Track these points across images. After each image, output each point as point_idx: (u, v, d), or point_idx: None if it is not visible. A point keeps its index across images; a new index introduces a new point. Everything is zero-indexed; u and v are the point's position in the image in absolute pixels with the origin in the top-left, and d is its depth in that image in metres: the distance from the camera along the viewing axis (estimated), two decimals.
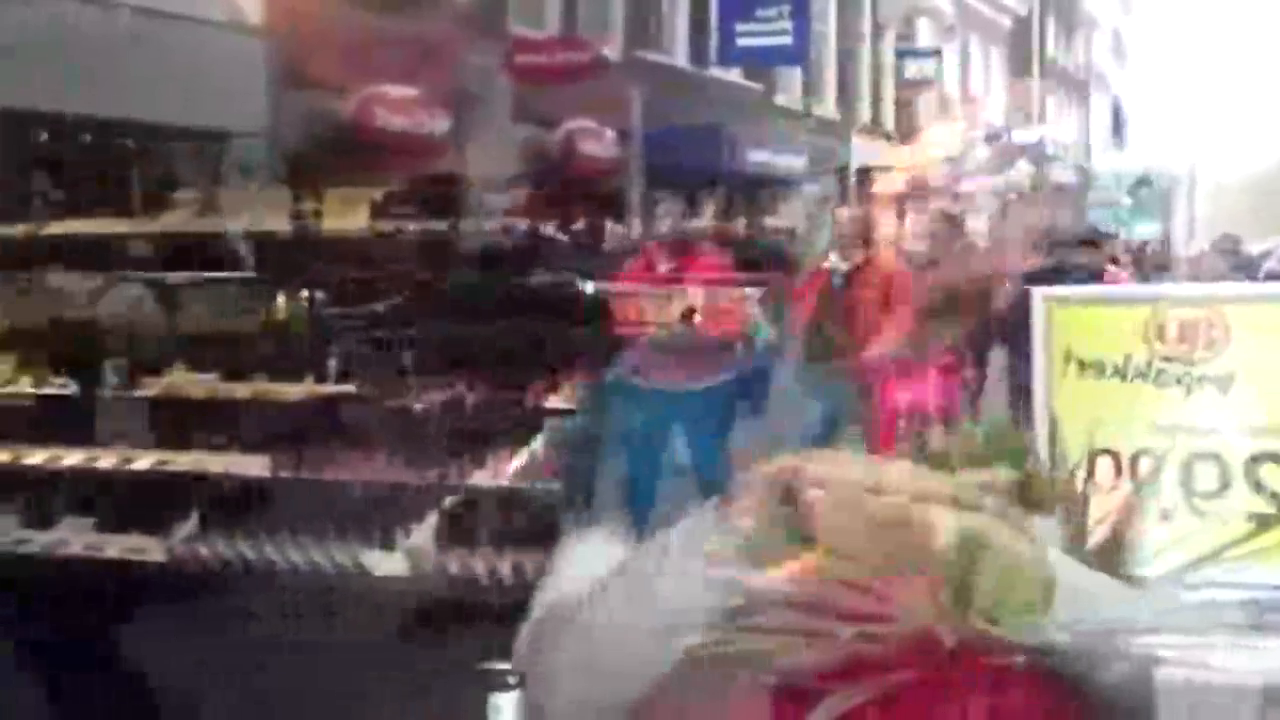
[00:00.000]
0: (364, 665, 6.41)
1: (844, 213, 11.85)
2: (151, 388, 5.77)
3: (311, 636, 6.17)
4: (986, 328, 8.89)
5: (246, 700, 5.66)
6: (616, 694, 1.82)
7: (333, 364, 6.32)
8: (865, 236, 10.50)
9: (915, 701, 1.86)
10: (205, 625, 5.90)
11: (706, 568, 1.79)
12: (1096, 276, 7.96)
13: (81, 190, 10.34)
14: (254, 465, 5.40)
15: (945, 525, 1.83)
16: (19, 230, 5.97)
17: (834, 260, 9.86)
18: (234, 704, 5.65)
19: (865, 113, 32.97)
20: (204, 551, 5.17)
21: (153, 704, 5.77)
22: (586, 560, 1.97)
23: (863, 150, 31.54)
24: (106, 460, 5.64)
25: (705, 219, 13.09)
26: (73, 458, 5.72)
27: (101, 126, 12.67)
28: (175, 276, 6.03)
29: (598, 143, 20.10)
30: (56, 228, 6.04)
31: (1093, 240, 9.58)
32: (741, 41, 23.46)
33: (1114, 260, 8.47)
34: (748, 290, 7.73)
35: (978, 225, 11.67)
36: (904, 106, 34.70)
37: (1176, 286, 3.24)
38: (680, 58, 24.55)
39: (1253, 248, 23.22)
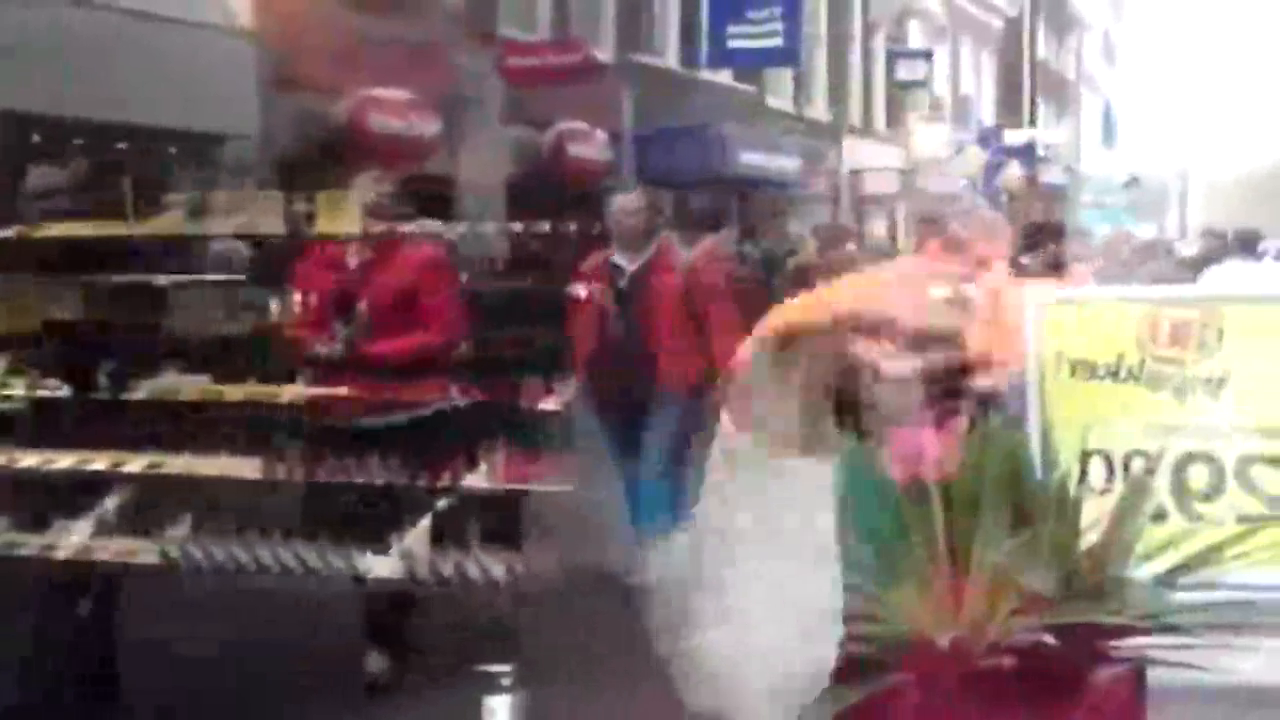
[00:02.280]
0: (356, 666, 6.41)
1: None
2: (143, 390, 5.76)
3: (306, 638, 6.18)
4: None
5: (238, 701, 5.66)
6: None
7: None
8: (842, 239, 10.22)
9: (909, 702, 1.87)
10: (197, 626, 5.91)
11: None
12: (1054, 270, 7.81)
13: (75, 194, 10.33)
14: (246, 468, 5.40)
15: None
16: (12, 231, 5.95)
17: (617, 256, 8.00)
18: (224, 704, 5.65)
19: (856, 114, 32.97)
20: (197, 554, 5.17)
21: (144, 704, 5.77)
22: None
23: (854, 152, 31.55)
24: (99, 463, 5.63)
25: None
26: (65, 460, 5.71)
27: (95, 129, 12.65)
28: (165, 279, 6.03)
29: (588, 144, 20.10)
30: (51, 230, 6.03)
31: (1047, 233, 9.08)
32: (732, 43, 23.47)
33: (1081, 257, 8.23)
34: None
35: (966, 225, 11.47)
36: (895, 108, 34.71)
37: (1169, 289, 3.24)
38: (671, 60, 24.56)
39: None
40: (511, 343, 6.17)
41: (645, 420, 7.56)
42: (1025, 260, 8.04)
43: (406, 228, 6.26)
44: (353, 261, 6.31)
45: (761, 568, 1.70)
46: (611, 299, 7.76)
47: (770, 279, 17.38)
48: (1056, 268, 7.83)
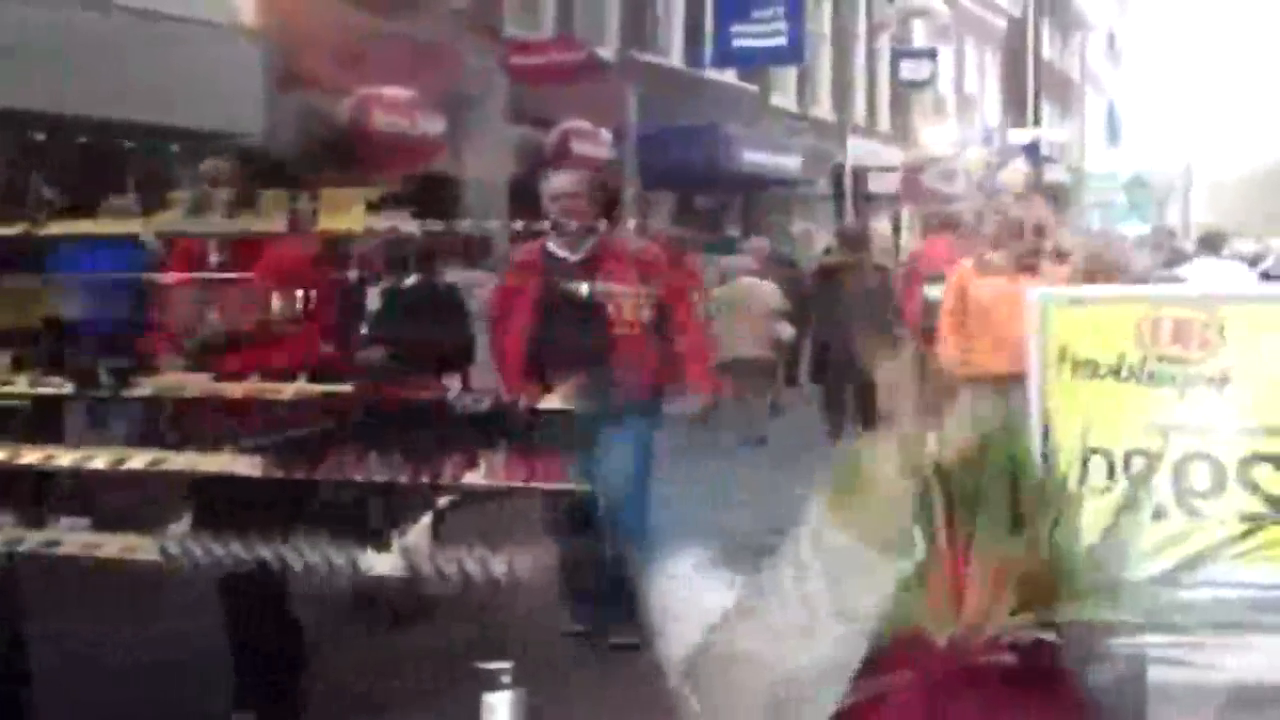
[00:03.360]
0: (359, 664, 6.41)
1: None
2: (145, 387, 5.76)
3: (311, 636, 6.17)
4: None
5: (237, 701, 5.66)
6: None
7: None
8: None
9: (909, 700, 1.87)
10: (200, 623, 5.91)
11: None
12: (1027, 270, 7.77)
13: (78, 190, 10.34)
14: (247, 465, 5.39)
15: None
16: (16, 229, 5.95)
17: (554, 246, 6.93)
18: (224, 705, 5.65)
19: (861, 113, 32.95)
20: (197, 550, 5.16)
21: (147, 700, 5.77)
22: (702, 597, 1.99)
23: (859, 151, 31.53)
24: (101, 460, 5.62)
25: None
26: (67, 457, 5.71)
27: (99, 127, 12.66)
28: (170, 276, 6.03)
29: (592, 143, 20.09)
30: (55, 227, 6.02)
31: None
32: (737, 42, 23.47)
33: (1060, 256, 8.07)
34: None
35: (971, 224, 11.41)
36: (899, 107, 34.70)
37: (1171, 287, 3.24)
38: (676, 58, 24.55)
39: (1245, 246, 23.29)
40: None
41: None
42: (990, 257, 8.05)
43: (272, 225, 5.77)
44: (213, 260, 5.89)
45: (812, 627, 1.80)
46: (546, 296, 6.76)
47: (800, 280, 17.43)
48: (1029, 267, 7.80)
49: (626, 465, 6.57)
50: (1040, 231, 8.09)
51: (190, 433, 5.71)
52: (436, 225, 6.00)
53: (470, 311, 8.26)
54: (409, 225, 5.75)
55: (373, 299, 7.42)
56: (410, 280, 7.15)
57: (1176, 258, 14.88)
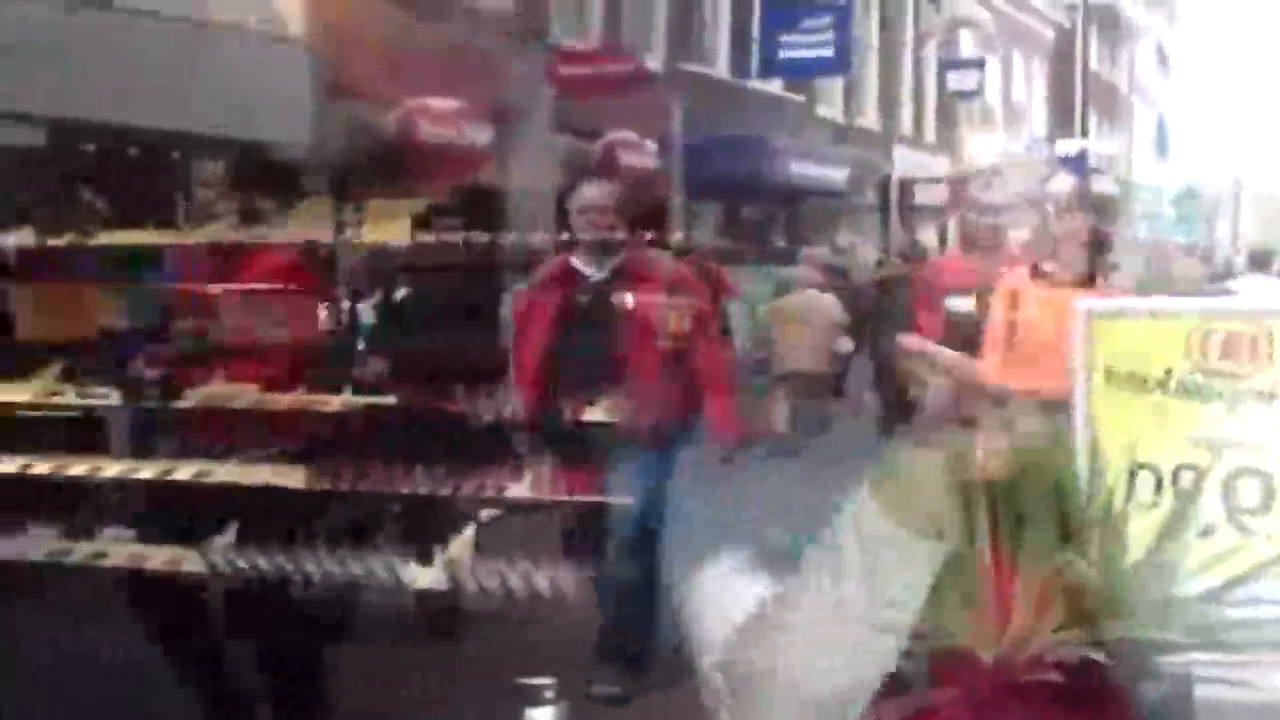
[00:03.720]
0: (400, 676, 6.42)
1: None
2: (192, 399, 5.79)
3: (350, 648, 6.18)
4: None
5: (278, 712, 5.67)
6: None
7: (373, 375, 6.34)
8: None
9: (953, 717, 1.85)
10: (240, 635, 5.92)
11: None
12: (1087, 283, 7.72)
13: (127, 201, 10.41)
14: (292, 477, 5.41)
15: None
16: (65, 240, 5.99)
17: (578, 261, 6.66)
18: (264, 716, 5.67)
19: (907, 124, 32.88)
20: (241, 563, 5.18)
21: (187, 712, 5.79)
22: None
23: (905, 162, 31.46)
24: (147, 471, 5.66)
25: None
26: (114, 469, 5.75)
27: (147, 138, 12.75)
28: (214, 286, 6.06)
29: (638, 154, 20.11)
30: (104, 238, 6.07)
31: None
32: (784, 53, 23.47)
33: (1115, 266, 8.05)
34: None
35: (1020, 236, 11.31)
36: (946, 118, 34.61)
37: (1221, 300, 3.21)
38: (722, 69, 24.55)
39: None
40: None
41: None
42: (1049, 268, 7.92)
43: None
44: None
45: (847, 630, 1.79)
46: (566, 312, 6.49)
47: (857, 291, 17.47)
48: (1090, 278, 7.72)
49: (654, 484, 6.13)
50: (1099, 243, 8.00)
51: (236, 444, 5.73)
52: (482, 237, 6.02)
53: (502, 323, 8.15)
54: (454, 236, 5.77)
55: (366, 313, 7.34)
56: (402, 293, 7.10)
57: (1224, 271, 14.90)
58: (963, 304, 9.02)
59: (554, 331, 6.47)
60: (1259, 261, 13.70)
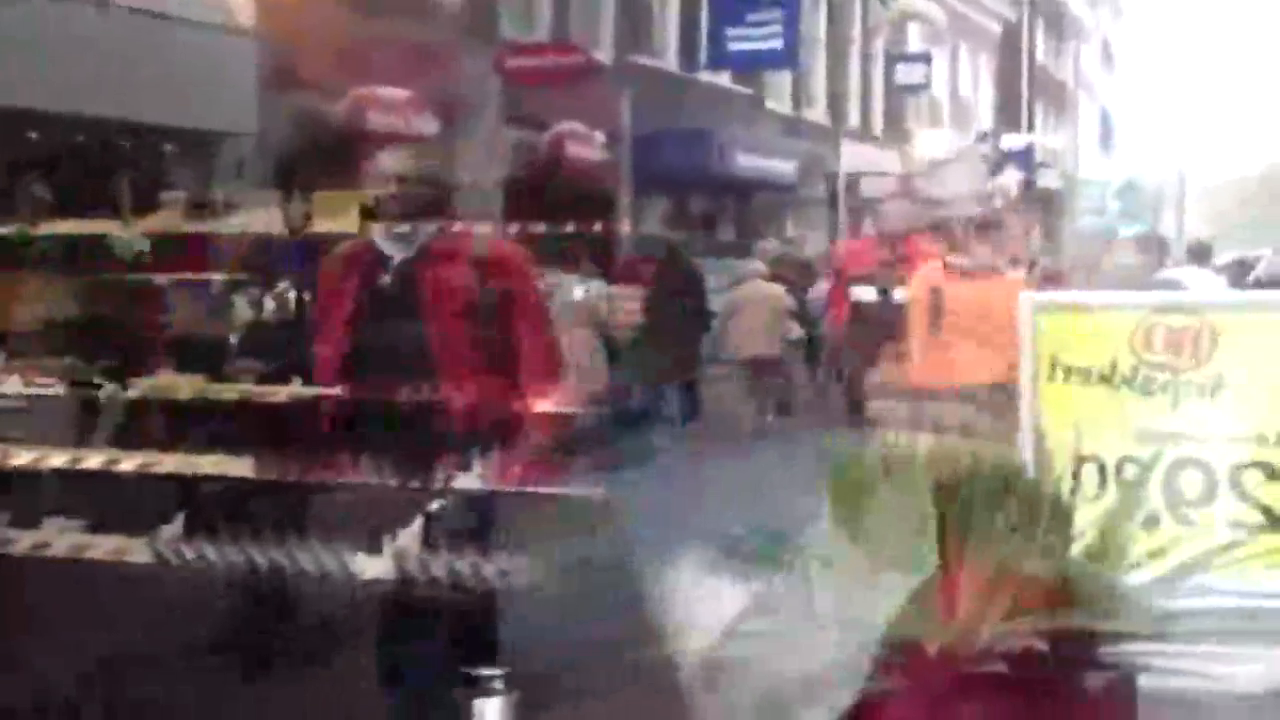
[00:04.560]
0: (348, 668, 6.41)
1: None
2: (138, 388, 5.75)
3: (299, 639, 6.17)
4: None
5: (227, 703, 5.66)
6: None
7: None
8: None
9: (903, 706, 1.87)
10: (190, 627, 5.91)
11: None
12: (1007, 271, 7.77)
13: (72, 191, 10.34)
14: (239, 467, 5.38)
15: None
16: (10, 230, 5.95)
17: (380, 239, 5.80)
18: (214, 707, 5.65)
19: (855, 118, 32.98)
20: (188, 553, 5.16)
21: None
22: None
23: (853, 155, 31.56)
24: (93, 460, 5.62)
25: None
26: (59, 458, 5.70)
27: (93, 127, 12.67)
28: (162, 277, 6.03)
29: (587, 146, 20.09)
30: (46, 228, 6.02)
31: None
32: (732, 45, 23.50)
33: (1015, 260, 7.93)
34: None
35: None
36: (894, 112, 34.74)
37: (1164, 295, 3.24)
38: (671, 61, 24.56)
39: (1227, 255, 23.40)
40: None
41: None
42: (962, 260, 7.94)
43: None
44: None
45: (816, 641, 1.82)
46: (369, 295, 5.80)
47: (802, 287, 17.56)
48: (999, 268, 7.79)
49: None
50: (1018, 232, 8.05)
51: (183, 434, 5.71)
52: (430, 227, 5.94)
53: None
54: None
55: (242, 308, 7.13)
56: (283, 286, 6.83)
57: (1167, 264, 15.00)
58: (865, 290, 9.06)
59: (356, 317, 5.77)
60: (1197, 254, 13.84)
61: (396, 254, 5.73)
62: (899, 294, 8.04)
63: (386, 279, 5.71)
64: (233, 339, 6.84)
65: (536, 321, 5.91)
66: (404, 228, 5.72)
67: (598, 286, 13.39)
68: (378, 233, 5.76)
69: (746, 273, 16.48)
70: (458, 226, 5.95)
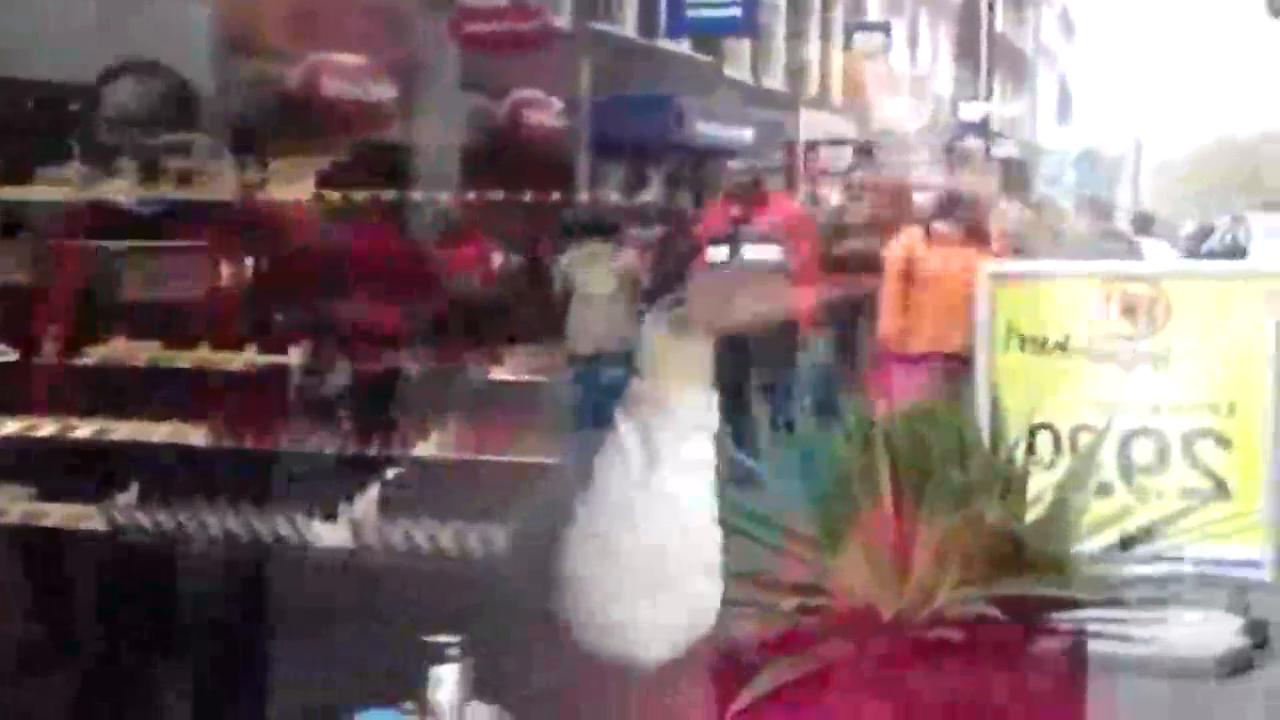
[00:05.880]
0: (304, 636, 6.39)
1: None
2: (92, 356, 5.70)
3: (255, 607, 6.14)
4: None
5: (185, 674, 5.63)
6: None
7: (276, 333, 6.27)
8: None
9: (854, 672, 1.87)
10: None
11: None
12: (978, 239, 7.84)
13: (21, 155, 10.25)
14: (195, 434, 5.36)
15: None
16: None
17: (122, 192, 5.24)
18: (172, 678, 5.62)
19: (814, 86, 32.96)
20: (144, 520, 5.13)
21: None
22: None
23: (811, 124, 31.55)
24: (46, 428, 5.58)
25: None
26: (11, 425, 5.66)
27: (44, 90, 12.55)
28: (116, 245, 5.96)
29: (545, 112, 20.01)
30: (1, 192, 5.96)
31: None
32: (691, 12, 23.42)
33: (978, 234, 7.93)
34: None
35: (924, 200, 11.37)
36: (853, 80, 34.73)
37: (1120, 264, 3.25)
38: (630, 28, 24.48)
39: (1190, 224, 23.57)
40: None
41: None
42: (941, 227, 8.03)
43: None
44: None
45: (646, 521, 1.79)
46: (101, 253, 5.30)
47: None
48: (976, 236, 7.86)
49: None
50: (982, 202, 8.16)
51: (137, 401, 5.66)
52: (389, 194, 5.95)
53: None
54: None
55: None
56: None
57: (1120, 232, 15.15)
58: (719, 251, 9.13)
59: (86, 278, 5.24)
60: (1140, 225, 14.07)
61: (132, 208, 5.20)
62: (748, 251, 8.27)
63: (121, 236, 5.17)
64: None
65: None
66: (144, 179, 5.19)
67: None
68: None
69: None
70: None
